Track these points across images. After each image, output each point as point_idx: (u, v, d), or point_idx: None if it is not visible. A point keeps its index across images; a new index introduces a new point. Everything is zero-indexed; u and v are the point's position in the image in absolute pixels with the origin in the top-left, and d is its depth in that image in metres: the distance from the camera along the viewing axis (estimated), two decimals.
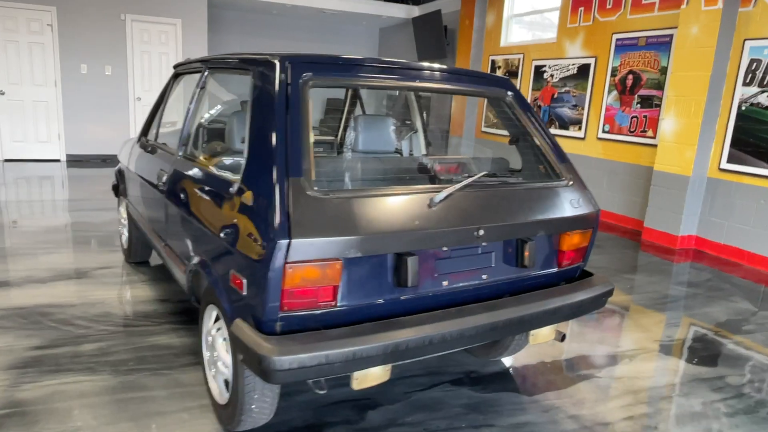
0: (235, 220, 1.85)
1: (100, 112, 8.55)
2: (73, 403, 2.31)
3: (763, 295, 4.26)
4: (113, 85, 8.54)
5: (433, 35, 9.23)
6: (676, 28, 5.65)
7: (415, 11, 10.17)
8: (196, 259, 2.20)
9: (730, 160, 5.20)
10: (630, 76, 6.24)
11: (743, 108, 5.07)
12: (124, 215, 3.94)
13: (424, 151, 3.42)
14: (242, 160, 2.02)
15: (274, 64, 1.95)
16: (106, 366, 2.61)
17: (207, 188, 2.15)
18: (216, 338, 2.13)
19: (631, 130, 6.24)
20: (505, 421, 2.38)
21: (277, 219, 1.65)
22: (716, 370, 2.98)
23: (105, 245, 4.45)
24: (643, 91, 6.10)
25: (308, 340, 1.67)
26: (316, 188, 1.74)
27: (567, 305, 2.17)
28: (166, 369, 2.62)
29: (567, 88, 7.12)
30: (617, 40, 6.38)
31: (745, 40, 5.05)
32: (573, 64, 7.02)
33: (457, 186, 1.94)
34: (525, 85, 7.84)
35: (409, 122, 3.56)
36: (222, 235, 1.92)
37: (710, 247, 5.39)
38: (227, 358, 2.07)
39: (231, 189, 1.94)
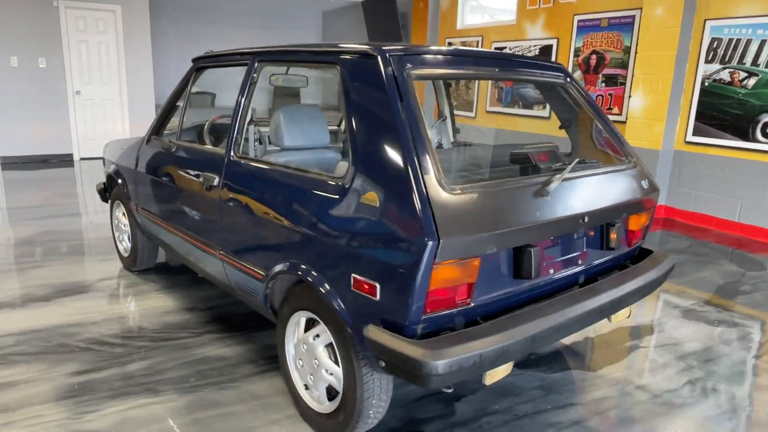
0: (355, 223, 1.77)
1: (37, 108, 7.83)
2: (152, 429, 2.14)
3: (740, 257, 4.63)
4: (49, 79, 7.84)
5: (386, 19, 9.15)
6: (637, 9, 5.93)
7: None
8: (280, 266, 2.09)
9: (695, 133, 5.57)
10: (593, 56, 6.50)
11: (706, 84, 5.43)
12: (125, 221, 3.66)
13: (452, 138, 3.41)
14: (341, 159, 1.93)
15: (376, 57, 1.87)
16: (167, 385, 2.44)
17: (297, 190, 2.03)
18: (315, 346, 2.04)
19: None
20: (584, 399, 2.46)
21: (423, 219, 1.59)
22: (738, 330, 3.21)
23: (93, 254, 4.12)
24: (607, 71, 6.37)
25: (461, 340, 1.63)
26: (448, 185, 1.70)
27: (648, 283, 2.26)
28: (230, 382, 2.48)
29: None
30: (579, 21, 6.61)
31: (705, 20, 5.38)
32: (535, 46, 7.21)
33: (564, 173, 1.95)
34: None
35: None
36: (336, 239, 1.82)
37: (680, 215, 5.78)
38: (332, 365, 2.00)
39: (340, 190, 1.85)
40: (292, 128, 2.62)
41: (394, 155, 1.72)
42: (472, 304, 1.76)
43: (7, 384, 2.41)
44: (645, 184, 2.39)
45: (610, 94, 6.36)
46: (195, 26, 10.32)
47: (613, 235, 2.20)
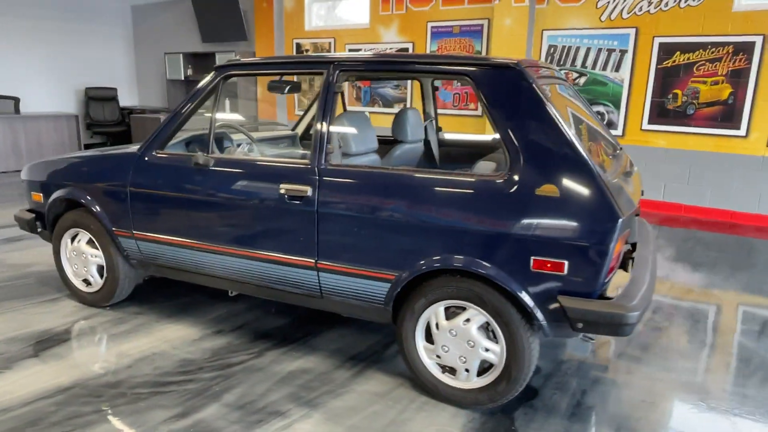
0: (532, 213, 2.05)
1: None
2: None
3: None
4: None
5: (226, 17, 8.81)
6: (486, 19, 6.93)
7: None
8: (417, 264, 2.25)
9: None
10: None
11: None
12: (92, 251, 3.17)
13: (436, 136, 3.75)
14: (482, 159, 2.18)
15: (518, 69, 2.17)
16: (285, 405, 2.36)
17: (442, 191, 2.20)
18: (468, 329, 2.26)
19: (455, 104, 7.42)
20: (638, 344, 3.10)
21: (610, 202, 1.98)
22: None
23: (23, 297, 3.42)
24: None
25: (635, 294, 2.07)
26: (605, 172, 2.10)
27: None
28: (340, 388, 2.51)
29: None
30: (432, 27, 7.40)
31: (543, 30, 6.59)
32: (390, 48, 7.81)
33: (626, 158, 2.52)
34: None
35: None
36: (508, 228, 2.08)
37: None
38: (489, 343, 2.25)
39: (504, 187, 2.10)
40: (357, 135, 2.71)
41: (566, 150, 2.05)
42: (616, 268, 2.21)
43: None
44: (636, 165, 3.10)
45: (466, 93, 7.30)
46: None
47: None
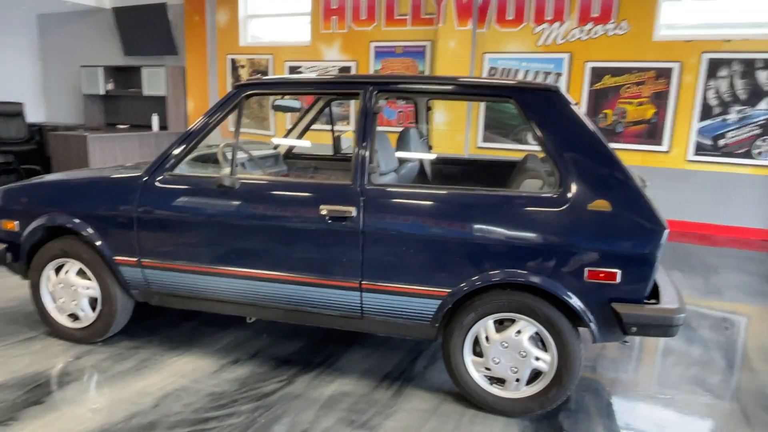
0: (586, 226, 2.20)
1: None
2: None
3: None
4: None
5: (152, 30, 8.37)
6: (428, 41, 7.19)
7: (106, 2, 8.89)
8: (470, 280, 2.32)
9: (485, 140, 7.14)
10: None
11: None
12: (85, 283, 2.91)
13: (429, 155, 3.84)
14: (526, 177, 2.31)
15: (559, 91, 2.32)
16: (344, 428, 2.32)
17: (496, 207, 2.29)
18: (520, 341, 2.35)
19: (400, 122, 7.59)
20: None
21: (656, 213, 2.18)
22: None
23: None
24: None
25: (676, 297, 2.27)
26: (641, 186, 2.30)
27: None
28: (386, 409, 2.50)
29: None
30: (375, 47, 7.54)
31: (484, 53, 6.96)
32: (333, 67, 7.84)
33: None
34: None
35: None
36: (564, 241, 2.21)
37: None
38: (540, 352, 2.36)
39: (557, 203, 2.24)
40: (385, 154, 2.74)
41: (613, 167, 2.23)
42: None
43: None
44: None
45: (410, 110, 7.49)
46: None
47: None
